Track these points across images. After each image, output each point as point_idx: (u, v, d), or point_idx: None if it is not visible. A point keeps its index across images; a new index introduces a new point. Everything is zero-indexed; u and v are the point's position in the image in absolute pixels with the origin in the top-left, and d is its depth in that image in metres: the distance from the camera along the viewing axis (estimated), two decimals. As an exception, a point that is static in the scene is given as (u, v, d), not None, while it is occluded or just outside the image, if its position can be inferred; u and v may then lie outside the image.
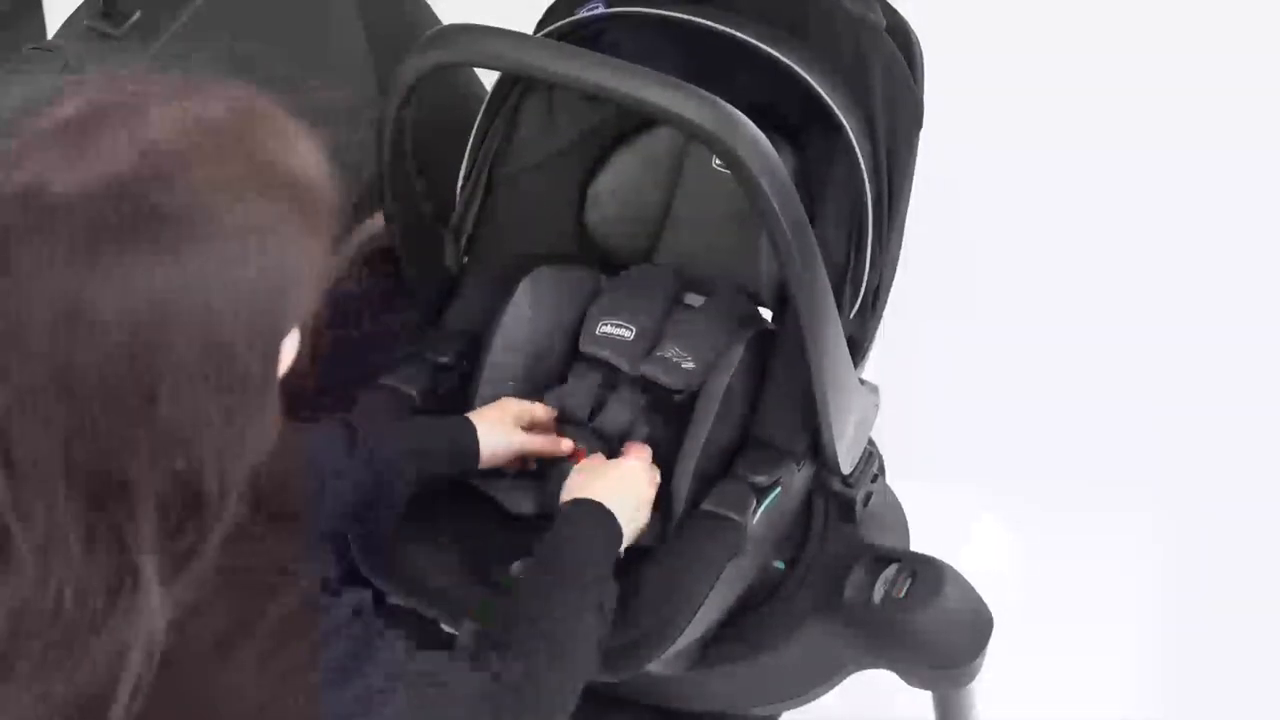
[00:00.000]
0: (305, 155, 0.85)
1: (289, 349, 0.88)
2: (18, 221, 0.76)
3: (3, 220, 0.76)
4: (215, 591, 0.85)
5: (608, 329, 1.46)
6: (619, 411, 1.42)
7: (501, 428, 1.36)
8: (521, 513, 1.40)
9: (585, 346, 1.46)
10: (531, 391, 1.45)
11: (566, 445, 1.39)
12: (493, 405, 1.39)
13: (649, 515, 1.30)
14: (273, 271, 0.82)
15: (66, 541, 0.80)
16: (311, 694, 0.88)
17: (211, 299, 0.79)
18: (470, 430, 1.34)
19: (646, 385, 1.43)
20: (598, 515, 1.23)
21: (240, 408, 0.83)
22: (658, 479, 1.33)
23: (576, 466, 1.34)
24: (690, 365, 1.42)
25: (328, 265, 0.87)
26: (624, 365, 1.44)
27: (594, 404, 1.44)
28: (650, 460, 1.35)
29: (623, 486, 1.28)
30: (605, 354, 1.45)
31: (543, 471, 1.41)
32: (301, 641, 0.88)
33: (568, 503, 1.25)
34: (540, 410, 1.41)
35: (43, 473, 0.79)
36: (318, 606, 0.90)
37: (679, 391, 1.42)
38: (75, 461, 0.79)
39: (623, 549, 1.25)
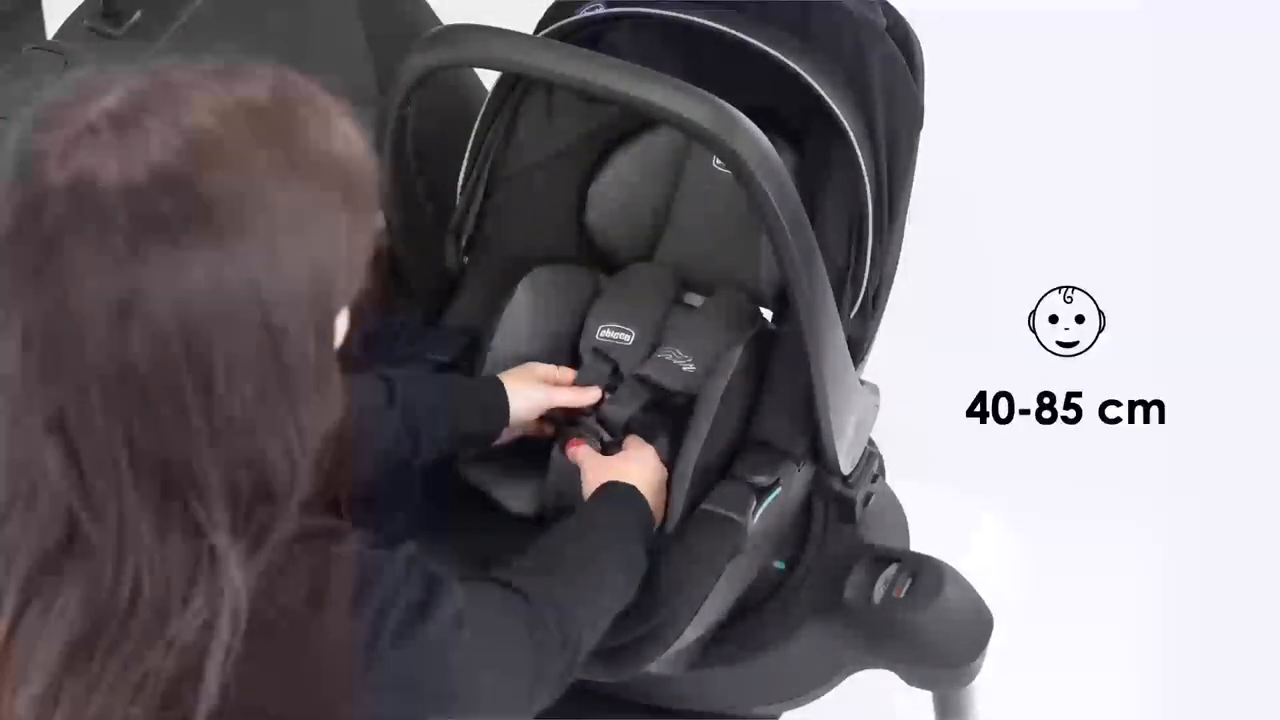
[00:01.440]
0: (346, 134, 0.85)
1: (340, 327, 0.89)
2: (68, 215, 0.76)
3: (53, 214, 0.76)
4: (295, 553, 0.86)
5: (607, 334, 1.46)
6: (622, 404, 1.42)
7: (529, 386, 1.38)
8: (522, 513, 1.40)
9: (586, 353, 1.47)
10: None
11: (593, 394, 1.40)
12: (518, 369, 1.40)
13: (664, 500, 1.33)
14: (321, 253, 0.82)
15: (139, 530, 0.80)
16: (382, 650, 0.87)
17: (263, 285, 0.79)
18: (499, 388, 1.36)
19: (648, 383, 1.43)
20: (630, 495, 1.27)
21: (299, 390, 0.83)
22: (664, 469, 1.35)
23: (585, 459, 1.34)
24: (691, 368, 1.42)
25: (372, 242, 0.88)
26: (624, 368, 1.44)
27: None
28: (653, 451, 1.36)
29: (644, 473, 1.31)
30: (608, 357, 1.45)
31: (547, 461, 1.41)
32: (369, 596, 0.88)
33: (599, 488, 1.27)
34: (565, 372, 1.42)
35: (108, 464, 0.79)
36: (378, 563, 0.90)
37: (679, 393, 1.42)
38: (139, 451, 0.79)
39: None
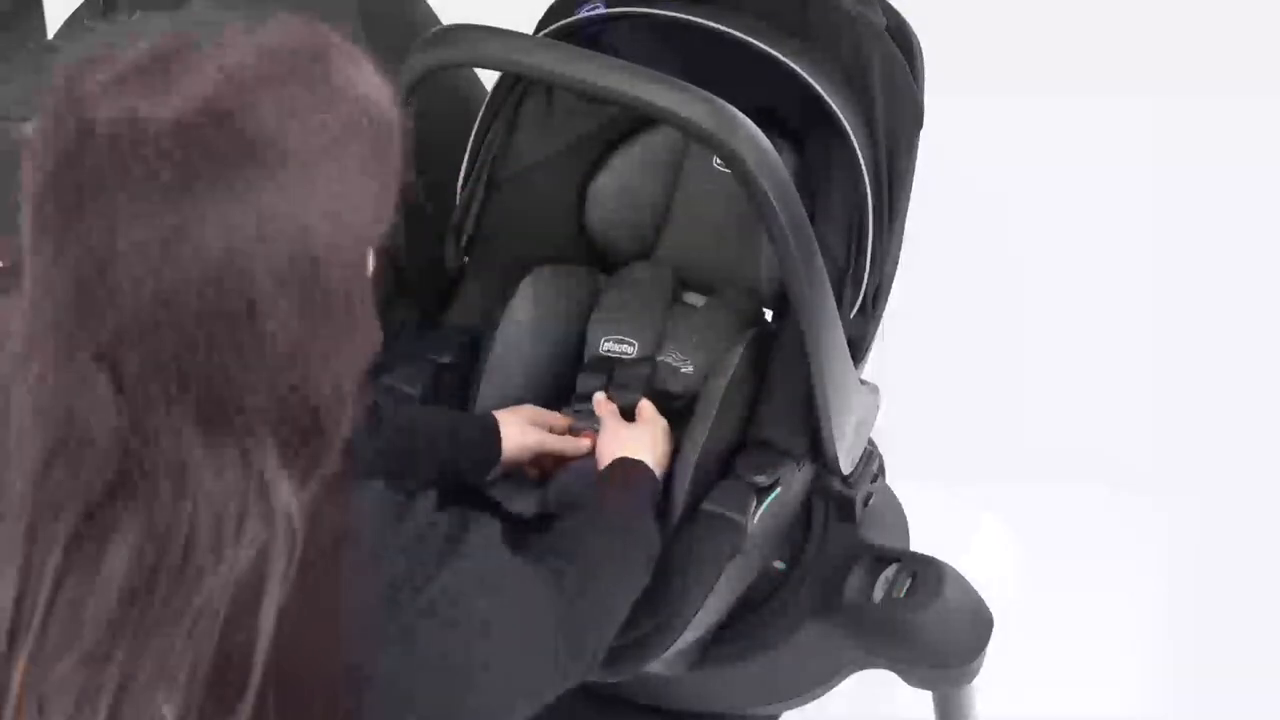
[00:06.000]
0: (377, 83, 0.88)
1: (369, 266, 0.90)
2: (116, 151, 0.77)
3: (102, 150, 0.77)
4: (328, 492, 0.86)
5: (610, 346, 1.47)
6: (624, 394, 1.44)
7: (522, 425, 1.38)
8: (522, 513, 1.40)
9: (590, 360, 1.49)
10: (534, 390, 1.46)
11: (585, 444, 1.40)
12: (512, 409, 1.40)
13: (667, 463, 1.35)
14: (355, 189, 0.84)
15: (193, 460, 0.81)
16: (419, 579, 0.89)
17: (305, 215, 0.80)
18: (492, 424, 1.36)
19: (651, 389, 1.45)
20: (639, 471, 1.29)
21: (341, 321, 0.84)
22: (671, 440, 1.37)
23: (605, 422, 1.38)
24: (689, 369, 1.44)
25: (397, 189, 0.91)
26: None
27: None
28: (656, 412, 1.39)
29: (654, 443, 1.34)
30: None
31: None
32: (403, 529, 0.90)
33: (608, 465, 1.30)
34: (559, 418, 1.43)
35: (159, 394, 0.80)
36: (407, 501, 0.92)
37: (679, 396, 1.43)
38: (188, 385, 0.80)
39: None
